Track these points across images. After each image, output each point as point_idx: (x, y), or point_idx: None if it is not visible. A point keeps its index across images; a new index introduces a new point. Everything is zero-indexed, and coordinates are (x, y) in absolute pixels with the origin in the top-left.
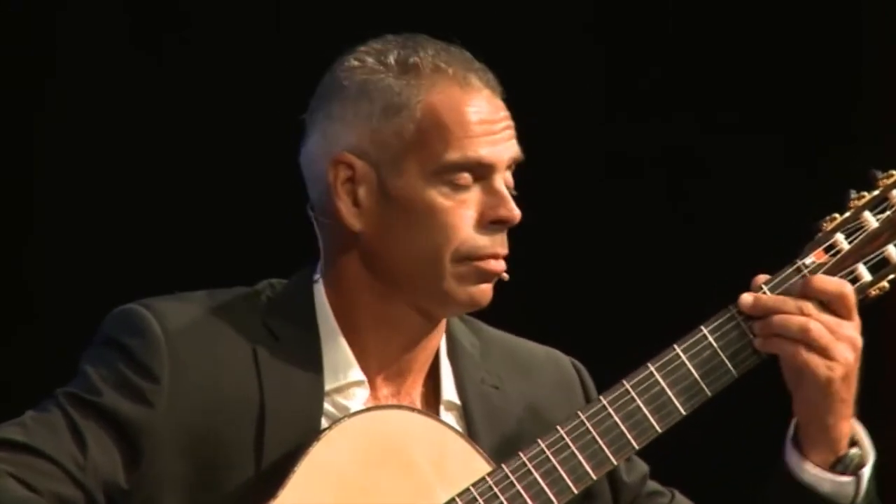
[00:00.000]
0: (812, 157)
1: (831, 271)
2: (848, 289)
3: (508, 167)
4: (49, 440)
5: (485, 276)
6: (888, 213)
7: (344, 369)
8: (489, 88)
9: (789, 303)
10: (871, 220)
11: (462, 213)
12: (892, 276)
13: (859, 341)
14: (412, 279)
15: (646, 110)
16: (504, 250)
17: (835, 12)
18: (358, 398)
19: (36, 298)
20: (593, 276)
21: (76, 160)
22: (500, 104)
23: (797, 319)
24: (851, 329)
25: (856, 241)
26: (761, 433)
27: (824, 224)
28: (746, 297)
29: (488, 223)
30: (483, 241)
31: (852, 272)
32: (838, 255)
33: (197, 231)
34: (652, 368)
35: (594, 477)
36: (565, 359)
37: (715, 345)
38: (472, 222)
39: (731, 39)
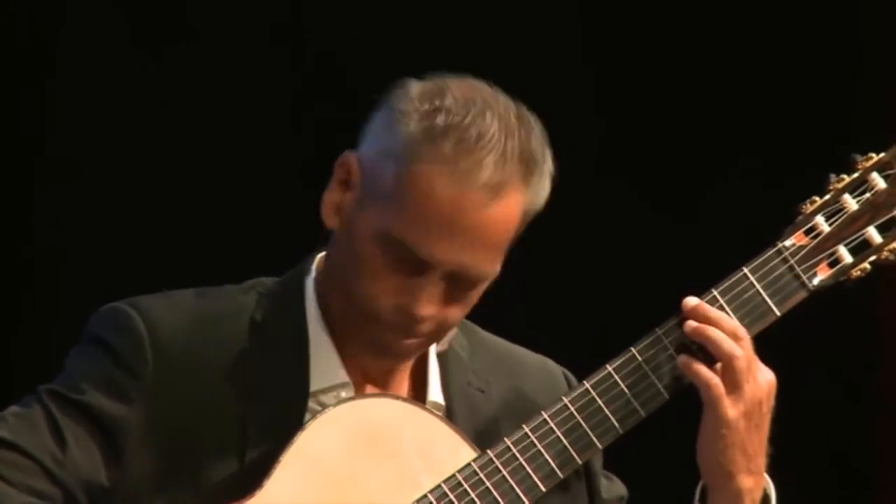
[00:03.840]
0: (808, 164)
1: (812, 253)
2: (742, 332)
3: (457, 279)
4: (28, 436)
5: (377, 342)
6: (868, 195)
7: (330, 371)
8: (490, 192)
9: (725, 323)
10: (851, 203)
11: (382, 279)
12: (873, 258)
13: (767, 390)
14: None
15: (638, 112)
16: (411, 339)
17: (834, 17)
18: None
19: (39, 292)
20: (582, 275)
21: (76, 159)
22: (487, 215)
23: (729, 344)
24: (764, 377)
25: (836, 224)
26: None
27: (804, 207)
28: (689, 301)
29: (400, 307)
30: (391, 316)
31: (833, 254)
32: (819, 238)
33: (196, 229)
34: (634, 352)
35: (579, 461)
36: (556, 368)
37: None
38: (388, 291)
39: (729, 43)
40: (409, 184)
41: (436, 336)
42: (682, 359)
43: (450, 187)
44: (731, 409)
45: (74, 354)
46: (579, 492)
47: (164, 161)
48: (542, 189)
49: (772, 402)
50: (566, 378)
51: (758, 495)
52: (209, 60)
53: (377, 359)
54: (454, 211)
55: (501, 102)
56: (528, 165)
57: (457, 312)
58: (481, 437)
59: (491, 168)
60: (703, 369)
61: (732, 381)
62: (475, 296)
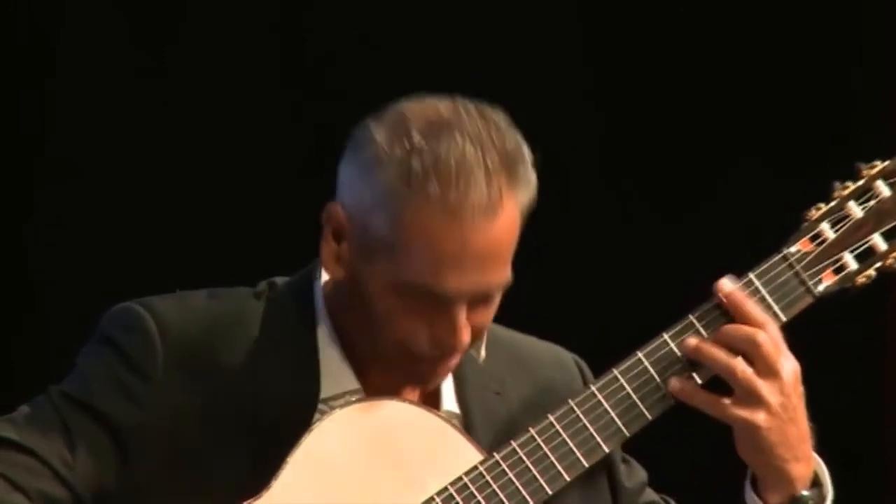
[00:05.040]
0: (808, 163)
1: (817, 260)
2: (762, 337)
3: (479, 299)
4: (38, 438)
5: (418, 375)
6: (872, 202)
7: (340, 378)
8: (487, 213)
9: (742, 331)
10: (856, 210)
11: (411, 321)
12: (878, 265)
13: (794, 381)
14: (367, 345)
15: (638, 113)
16: (452, 361)
17: (834, 17)
18: None
19: (39, 292)
20: (582, 277)
21: (76, 159)
22: (489, 237)
23: (725, 359)
24: (788, 368)
25: (841, 231)
26: None
27: (809, 214)
28: (725, 283)
29: (437, 341)
30: (428, 350)
31: (838, 261)
32: (824, 245)
33: (198, 228)
34: (640, 355)
35: (586, 464)
36: (567, 355)
37: (703, 332)
38: (420, 329)
39: (729, 43)
40: (406, 232)
41: (470, 346)
42: (685, 388)
43: (448, 223)
44: (759, 417)
45: (85, 354)
46: (601, 483)
47: (164, 161)
48: (529, 180)
49: (800, 387)
50: (578, 366)
51: (809, 476)
52: (209, 60)
53: (416, 387)
54: (460, 244)
55: (463, 114)
56: (511, 168)
57: (486, 321)
58: (501, 441)
59: (479, 190)
60: (710, 401)
61: (756, 398)
62: (498, 299)
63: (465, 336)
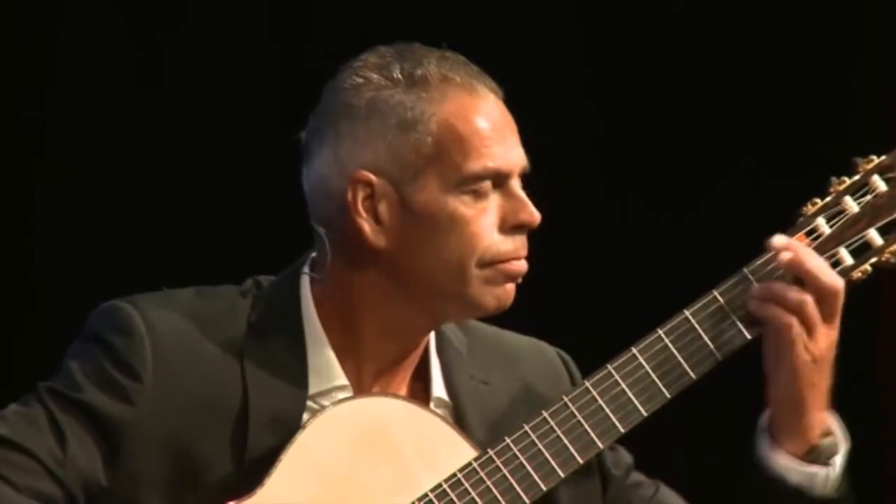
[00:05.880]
0: (808, 164)
1: None
2: (841, 286)
3: (520, 173)
4: (30, 435)
5: (509, 277)
6: (868, 197)
7: (328, 373)
8: (493, 93)
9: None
10: (852, 205)
11: (484, 220)
12: (873, 260)
13: (836, 334)
14: (439, 288)
15: (638, 112)
16: (525, 251)
17: (834, 17)
18: None
19: (39, 292)
20: (579, 275)
21: (77, 158)
22: (504, 108)
23: (797, 293)
24: (833, 322)
25: (837, 226)
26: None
27: (805, 209)
28: (779, 239)
29: (510, 228)
30: (506, 246)
31: (834, 255)
32: (819, 239)
33: (198, 228)
34: (635, 352)
35: (580, 461)
36: (550, 349)
37: (698, 328)
38: (494, 228)
39: (729, 43)
40: (448, 126)
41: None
42: (754, 303)
43: (473, 100)
44: (808, 352)
45: (74, 352)
46: (592, 476)
47: (163, 161)
48: None
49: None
50: (561, 358)
51: (825, 428)
52: (209, 60)
53: (497, 308)
54: (492, 116)
55: (412, 45)
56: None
57: None
58: (493, 429)
59: (473, 71)
60: (777, 309)
61: (809, 326)
62: None
63: (536, 211)
